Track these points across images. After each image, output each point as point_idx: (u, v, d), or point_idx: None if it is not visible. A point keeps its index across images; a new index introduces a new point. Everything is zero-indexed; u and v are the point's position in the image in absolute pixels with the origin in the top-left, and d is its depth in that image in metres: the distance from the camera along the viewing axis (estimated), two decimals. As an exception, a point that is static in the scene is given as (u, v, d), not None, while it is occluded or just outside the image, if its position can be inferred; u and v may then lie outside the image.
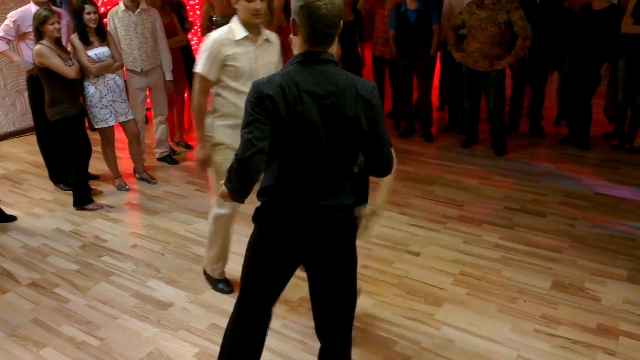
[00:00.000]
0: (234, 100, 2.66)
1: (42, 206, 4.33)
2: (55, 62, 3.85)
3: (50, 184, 4.68)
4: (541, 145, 5.34)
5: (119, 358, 2.57)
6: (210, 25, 5.16)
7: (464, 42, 4.93)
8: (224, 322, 2.79)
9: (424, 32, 5.11)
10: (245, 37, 2.60)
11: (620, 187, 4.29)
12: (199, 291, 3.10)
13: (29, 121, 5.78)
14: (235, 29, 2.61)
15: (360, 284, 2.37)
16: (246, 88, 2.53)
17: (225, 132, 2.73)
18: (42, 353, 2.63)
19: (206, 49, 2.59)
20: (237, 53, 2.60)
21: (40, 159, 4.75)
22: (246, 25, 2.59)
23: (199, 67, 2.61)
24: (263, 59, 2.67)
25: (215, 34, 2.61)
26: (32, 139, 4.98)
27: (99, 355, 2.60)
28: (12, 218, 4.07)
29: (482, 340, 2.62)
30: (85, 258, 3.49)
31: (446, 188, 4.41)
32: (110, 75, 4.22)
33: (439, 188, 4.41)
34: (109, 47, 4.17)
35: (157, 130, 5.05)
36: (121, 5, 4.51)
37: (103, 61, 4.12)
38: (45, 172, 4.72)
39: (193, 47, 5.89)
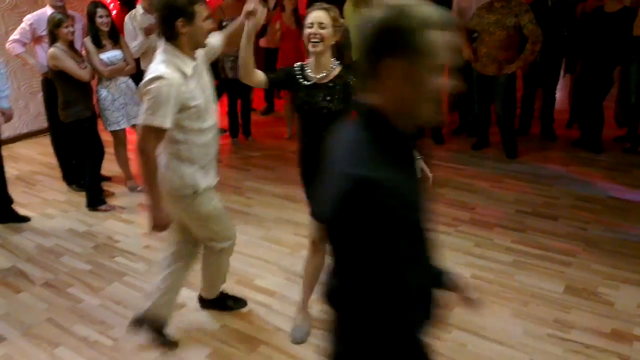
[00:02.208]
0: (203, 141, 2.36)
1: (55, 207, 4.37)
2: (69, 64, 3.89)
3: (63, 185, 4.73)
4: (553, 148, 5.31)
5: (131, 358, 2.60)
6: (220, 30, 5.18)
7: (473, 46, 4.92)
8: (235, 324, 2.83)
9: None
10: (194, 68, 2.27)
11: (632, 191, 4.26)
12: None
13: (42, 123, 5.85)
14: (181, 63, 2.21)
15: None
16: (207, 123, 2.36)
17: (203, 176, 2.44)
18: (56, 352, 2.66)
19: (160, 93, 2.12)
20: (193, 89, 2.26)
21: (53, 160, 4.80)
22: (193, 51, 2.27)
23: (154, 118, 2.13)
24: (206, 83, 2.38)
25: (167, 74, 2.14)
26: (46, 140, 5.04)
27: (112, 354, 2.62)
28: (26, 219, 4.11)
29: (494, 344, 2.61)
30: (98, 258, 3.53)
31: (457, 191, 4.40)
32: (122, 79, 4.25)
33: (450, 191, 4.41)
34: (121, 50, 4.21)
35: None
36: (139, 9, 4.56)
37: (115, 64, 4.16)
38: (59, 173, 4.77)
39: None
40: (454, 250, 3.46)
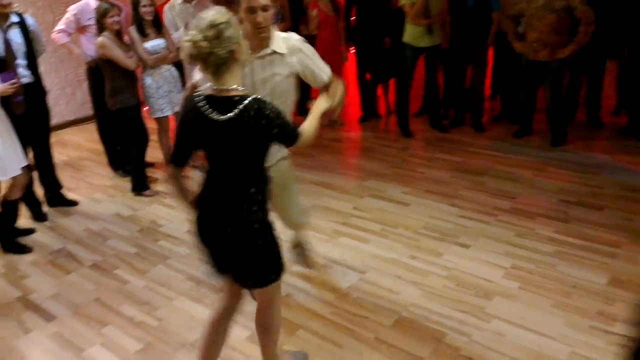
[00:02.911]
0: None
1: (102, 192, 4.53)
2: (117, 53, 4.01)
3: (109, 171, 4.90)
4: (599, 136, 5.14)
5: (175, 338, 2.69)
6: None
7: (519, 30, 4.79)
8: (275, 308, 2.87)
9: (482, 18, 4.94)
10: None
11: (684, 181, 4.09)
12: (250, 277, 3.18)
13: (88, 110, 6.05)
14: None
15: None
16: None
17: None
18: (104, 331, 2.78)
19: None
20: None
21: (99, 146, 4.97)
22: (248, 36, 2.36)
23: None
24: (263, 72, 2.40)
25: None
26: (92, 127, 5.22)
27: (156, 334, 2.73)
28: (74, 203, 4.29)
29: (534, 335, 2.58)
30: (143, 242, 3.65)
31: (498, 179, 4.32)
32: (166, 67, 4.35)
33: (490, 179, 4.33)
34: (164, 39, 4.29)
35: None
36: (178, -1, 4.64)
37: (159, 53, 4.25)
38: (105, 159, 4.93)
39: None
40: (494, 240, 3.42)
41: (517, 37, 4.79)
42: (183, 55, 1.80)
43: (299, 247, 3.22)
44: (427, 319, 2.72)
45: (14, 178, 3.43)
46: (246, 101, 1.81)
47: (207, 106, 1.85)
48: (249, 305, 2.90)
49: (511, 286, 2.95)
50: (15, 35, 3.63)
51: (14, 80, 3.35)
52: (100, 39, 4.00)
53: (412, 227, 3.64)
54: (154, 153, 4.92)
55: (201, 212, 1.99)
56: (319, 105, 2.30)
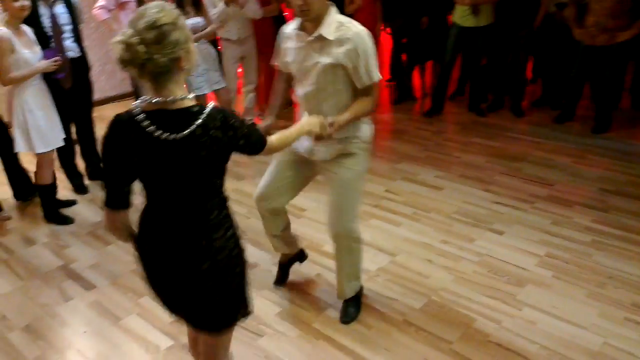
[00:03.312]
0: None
1: (139, 167, 4.65)
2: None
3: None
4: (644, 124, 4.96)
5: (208, 311, 2.77)
6: None
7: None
8: (304, 286, 2.92)
9: (530, 1, 4.78)
10: (295, 30, 2.28)
11: None
12: (281, 255, 3.23)
13: (127, 87, 6.18)
14: (295, 20, 2.31)
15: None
16: (301, 90, 2.35)
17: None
18: (140, 301, 2.88)
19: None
20: (288, 48, 2.36)
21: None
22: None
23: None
24: (310, 59, 2.25)
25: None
26: (131, 103, 5.32)
27: (190, 307, 2.81)
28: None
29: (566, 325, 2.54)
30: (178, 217, 3.74)
31: (535, 166, 4.23)
32: (204, 45, 4.39)
33: (527, 165, 4.25)
34: (203, 17, 4.32)
35: (246, 99, 5.22)
36: (216, -25, 4.64)
37: (197, 30, 4.28)
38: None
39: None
40: (529, 227, 3.36)
41: (577, 23, 4.59)
42: (114, 58, 1.47)
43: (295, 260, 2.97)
44: (457, 304, 2.72)
45: (40, 158, 3.56)
46: (208, 110, 1.52)
47: (152, 124, 1.49)
48: (270, 281, 2.95)
49: (545, 274, 2.91)
50: (61, 11, 3.73)
51: (56, 58, 3.45)
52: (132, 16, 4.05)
53: (445, 211, 3.61)
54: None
55: (150, 253, 1.67)
56: (307, 126, 2.03)
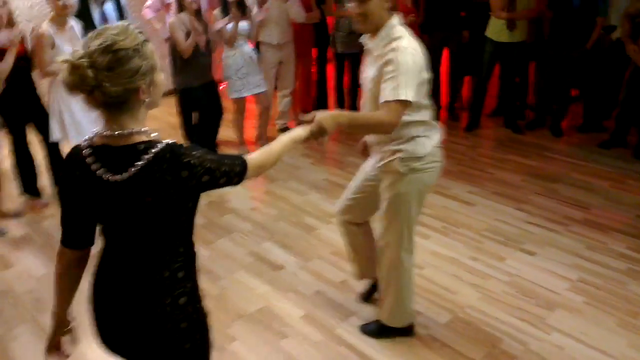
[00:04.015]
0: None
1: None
2: (177, 35, 4.09)
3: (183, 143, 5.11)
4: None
5: (233, 308, 2.80)
6: (335, 5, 5.23)
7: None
8: (328, 291, 2.94)
9: (585, 21, 4.64)
10: (364, 43, 2.21)
11: None
12: (308, 259, 3.25)
13: (169, 84, 6.31)
14: None
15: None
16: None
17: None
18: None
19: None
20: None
21: (176, 119, 5.18)
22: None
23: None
24: (366, 71, 2.20)
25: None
26: (171, 100, 5.43)
27: (216, 303, 2.85)
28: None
29: (594, 352, 2.48)
30: (211, 214, 3.81)
31: (572, 188, 4.14)
32: (247, 49, 4.46)
33: (564, 187, 4.16)
34: (248, 21, 4.40)
35: (281, 103, 5.28)
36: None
37: (242, 35, 4.37)
38: (180, 132, 5.14)
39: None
40: (562, 250, 3.29)
41: (631, 39, 4.46)
42: (60, 79, 1.26)
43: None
44: (484, 322, 2.68)
45: None
46: (155, 149, 1.27)
47: (96, 162, 1.29)
48: (300, 286, 2.97)
49: (576, 299, 2.85)
50: (110, 9, 3.86)
51: None
52: (171, 19, 4.14)
53: (476, 228, 3.57)
54: (228, 132, 5.08)
55: (101, 310, 1.47)
56: (294, 135, 1.67)
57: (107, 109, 1.28)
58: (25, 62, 3.60)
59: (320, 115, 1.77)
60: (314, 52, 5.69)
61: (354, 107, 5.91)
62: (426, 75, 2.12)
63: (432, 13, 5.26)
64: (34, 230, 3.62)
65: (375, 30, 2.09)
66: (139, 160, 1.26)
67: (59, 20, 3.45)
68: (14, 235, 3.55)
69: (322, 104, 6.00)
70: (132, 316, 1.40)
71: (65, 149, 4.01)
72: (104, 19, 3.79)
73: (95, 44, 1.21)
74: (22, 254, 3.33)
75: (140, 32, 1.28)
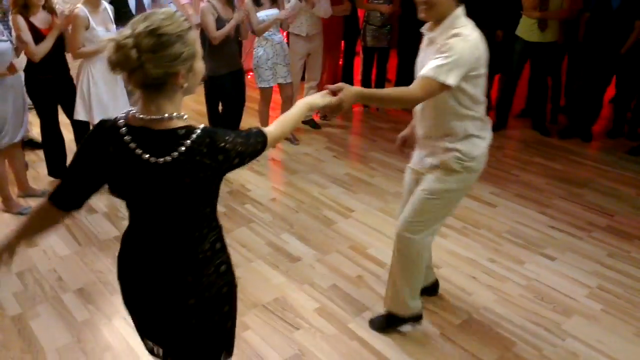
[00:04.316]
0: None
1: (199, 150, 4.80)
2: (207, 21, 4.03)
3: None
4: None
5: (249, 297, 2.84)
6: None
7: None
8: (344, 285, 2.95)
9: (624, 23, 4.52)
10: (424, 30, 2.20)
11: None
12: (325, 252, 3.27)
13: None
14: None
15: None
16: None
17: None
18: (186, 279, 2.99)
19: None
20: (420, 48, 2.25)
21: (203, 108, 5.24)
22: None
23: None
24: (426, 61, 2.07)
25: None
26: (199, 89, 5.50)
27: (232, 291, 2.89)
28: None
29: (610, 362, 2.45)
30: (232, 203, 3.85)
31: (597, 194, 4.06)
32: (277, 38, 4.47)
33: (589, 192, 4.08)
34: (278, 8, 4.40)
35: (307, 94, 5.29)
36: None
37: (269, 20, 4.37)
38: (206, 121, 5.20)
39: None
40: (583, 257, 3.24)
41: None
42: (106, 57, 1.29)
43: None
44: (498, 325, 2.66)
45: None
46: (195, 135, 1.34)
47: (134, 141, 1.34)
48: (316, 278, 2.99)
49: (594, 307, 2.80)
50: None
51: None
52: (202, 4, 4.15)
53: (496, 229, 3.53)
54: (252, 121, 5.12)
55: (131, 279, 1.54)
56: (311, 101, 1.73)
57: (146, 90, 1.33)
58: (60, 42, 3.67)
59: (346, 93, 1.82)
60: (343, 44, 5.67)
61: (380, 101, 5.90)
62: (483, 70, 2.08)
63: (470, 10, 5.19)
64: (60, 210, 3.71)
65: (439, 19, 2.06)
66: (181, 145, 1.32)
67: (93, 1, 3.51)
68: (41, 214, 3.64)
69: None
70: (169, 290, 1.47)
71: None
72: (140, 5, 3.85)
73: (141, 27, 1.26)
74: (46, 234, 3.42)
75: (186, 20, 1.33)
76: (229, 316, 1.59)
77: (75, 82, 3.78)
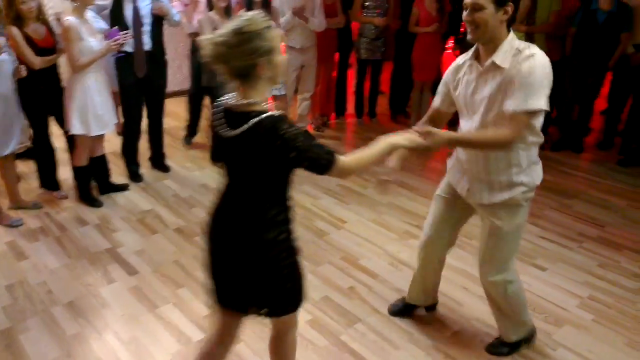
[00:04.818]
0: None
1: (193, 162, 4.81)
2: (205, 33, 4.14)
3: (205, 143, 5.17)
4: None
5: (240, 310, 2.83)
6: (361, 11, 5.26)
7: None
8: (336, 297, 2.95)
9: (610, 37, 4.61)
10: (469, 59, 2.12)
11: None
12: (318, 263, 3.27)
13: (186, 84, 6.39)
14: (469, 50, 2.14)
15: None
16: (467, 125, 2.14)
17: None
18: (178, 292, 2.98)
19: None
20: (458, 78, 2.17)
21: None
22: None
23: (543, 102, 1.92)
24: (481, 92, 2.05)
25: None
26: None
27: (224, 303, 2.88)
28: (168, 169, 4.58)
29: (601, 372, 2.46)
30: (223, 215, 3.84)
31: (588, 204, 4.09)
32: None
33: (580, 203, 4.11)
34: (273, 22, 4.44)
35: (300, 106, 5.31)
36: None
37: None
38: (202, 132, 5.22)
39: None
40: (573, 267, 3.26)
41: None
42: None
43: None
44: (489, 336, 2.66)
45: (81, 141, 3.77)
46: (261, 117, 1.59)
47: (223, 120, 1.69)
48: (308, 290, 2.99)
49: (585, 317, 2.82)
50: (144, 4, 3.93)
51: (117, 37, 3.62)
52: (200, 16, 4.19)
53: (488, 240, 3.54)
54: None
55: (215, 234, 1.83)
56: (395, 142, 1.85)
57: (236, 80, 1.64)
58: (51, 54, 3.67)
59: (436, 139, 1.91)
60: (337, 56, 5.72)
61: (373, 113, 5.94)
62: None
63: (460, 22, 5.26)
64: (50, 222, 3.70)
65: (493, 44, 1.99)
66: (247, 124, 1.60)
67: (81, 11, 3.53)
68: (29, 227, 3.63)
69: (340, 109, 6.03)
70: (240, 245, 1.74)
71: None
72: (136, 14, 3.85)
73: (230, 27, 1.58)
74: (37, 246, 3.41)
75: (266, 20, 1.60)
76: (288, 278, 1.80)
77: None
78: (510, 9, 1.96)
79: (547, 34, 4.82)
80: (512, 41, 2.00)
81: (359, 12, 5.32)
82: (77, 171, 3.90)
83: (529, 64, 1.92)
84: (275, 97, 4.71)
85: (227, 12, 4.25)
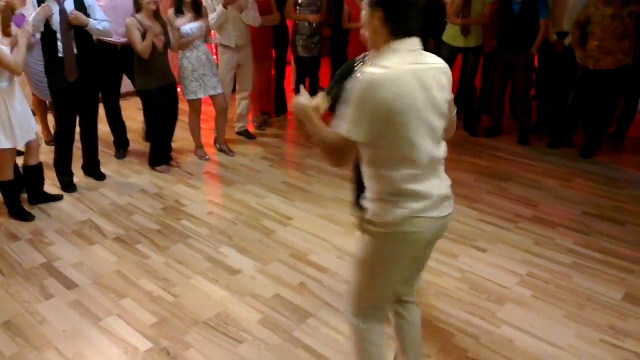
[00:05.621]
0: None
1: (130, 168, 4.65)
2: (133, 38, 4.03)
3: (143, 147, 5.00)
4: (630, 151, 5.04)
5: (190, 315, 2.77)
6: (294, 8, 5.25)
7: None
8: (286, 294, 2.94)
9: (527, 25, 4.82)
10: None
11: None
12: (266, 262, 3.24)
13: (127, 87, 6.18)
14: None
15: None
16: None
17: None
18: (121, 302, 2.87)
19: None
20: None
21: (131, 124, 5.08)
22: None
23: None
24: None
25: None
26: (126, 104, 5.30)
27: (172, 310, 2.81)
28: (104, 176, 4.40)
29: (543, 344, 2.57)
30: (166, 219, 3.74)
31: (521, 186, 4.29)
32: (202, 50, 4.42)
33: (514, 185, 4.30)
34: (200, 21, 4.35)
35: (239, 105, 5.25)
36: (216, -19, 4.69)
37: (195, 35, 4.32)
38: (137, 136, 5.05)
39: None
40: (512, 246, 3.41)
41: (581, 46, 4.62)
42: None
43: None
44: (437, 319, 2.74)
45: (27, 144, 3.66)
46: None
47: None
48: (258, 289, 2.96)
49: (525, 293, 2.95)
50: (70, 7, 3.77)
51: (26, 21, 3.44)
52: (128, 19, 4.06)
53: (430, 226, 3.64)
54: (184, 134, 5.01)
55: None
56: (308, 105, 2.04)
57: None
58: None
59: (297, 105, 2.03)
60: (273, 53, 5.68)
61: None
62: (404, 119, 1.70)
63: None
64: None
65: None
66: None
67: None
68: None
69: (281, 106, 6.00)
70: None
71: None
72: (64, 17, 3.67)
73: None
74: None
75: None
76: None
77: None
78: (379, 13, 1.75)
79: (483, 25, 5.00)
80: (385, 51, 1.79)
81: (292, 9, 5.31)
82: (3, 186, 3.68)
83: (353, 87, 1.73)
84: (212, 98, 4.62)
85: (157, 14, 4.15)
